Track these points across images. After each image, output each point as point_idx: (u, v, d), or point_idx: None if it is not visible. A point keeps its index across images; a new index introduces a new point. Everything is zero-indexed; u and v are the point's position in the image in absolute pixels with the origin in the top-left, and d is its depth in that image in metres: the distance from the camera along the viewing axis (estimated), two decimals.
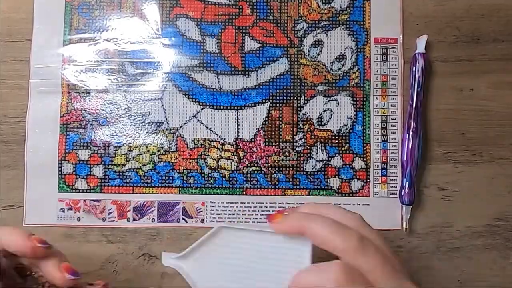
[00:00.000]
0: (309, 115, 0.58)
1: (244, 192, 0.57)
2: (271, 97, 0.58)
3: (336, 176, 0.58)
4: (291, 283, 0.37)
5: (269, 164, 0.58)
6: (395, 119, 0.58)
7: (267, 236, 0.41)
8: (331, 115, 0.58)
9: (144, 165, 0.57)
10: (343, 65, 0.58)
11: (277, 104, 0.58)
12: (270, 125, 0.58)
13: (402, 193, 0.56)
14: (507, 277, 0.57)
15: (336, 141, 0.58)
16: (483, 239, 0.57)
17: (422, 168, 0.57)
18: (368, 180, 0.58)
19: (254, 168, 0.58)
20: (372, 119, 0.58)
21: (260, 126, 0.58)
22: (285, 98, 0.58)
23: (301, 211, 0.40)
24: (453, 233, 0.57)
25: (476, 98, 0.58)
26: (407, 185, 0.56)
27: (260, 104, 0.58)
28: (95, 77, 0.57)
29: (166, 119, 0.57)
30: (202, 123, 0.58)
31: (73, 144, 0.57)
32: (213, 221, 0.57)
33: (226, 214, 0.57)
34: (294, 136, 0.58)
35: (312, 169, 0.58)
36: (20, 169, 0.57)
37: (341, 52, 0.59)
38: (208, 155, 0.58)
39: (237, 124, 0.58)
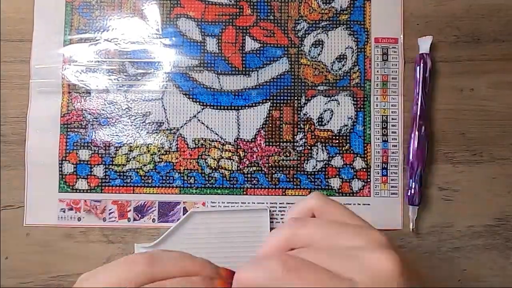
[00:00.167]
0: (309, 115, 0.58)
1: (245, 192, 0.58)
2: (271, 97, 0.58)
3: (337, 176, 0.58)
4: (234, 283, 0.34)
5: (270, 164, 0.58)
6: (395, 119, 0.58)
7: (231, 215, 0.55)
8: (332, 115, 0.58)
9: (144, 165, 0.57)
10: (343, 65, 0.58)
11: (278, 104, 0.58)
12: (270, 125, 0.58)
13: (410, 194, 0.56)
14: (507, 277, 0.57)
15: (337, 141, 0.58)
16: (483, 239, 0.57)
17: (422, 168, 0.57)
18: (369, 180, 0.58)
19: (254, 168, 0.58)
20: (372, 119, 0.58)
21: (261, 126, 0.58)
22: (285, 98, 0.58)
23: None
24: (453, 233, 0.57)
25: (476, 98, 0.58)
26: (416, 186, 0.56)
27: (260, 104, 0.58)
28: (95, 77, 0.57)
29: (167, 119, 0.57)
30: (202, 123, 0.58)
31: (73, 144, 0.57)
32: None
33: None
34: (295, 136, 0.58)
35: (313, 169, 0.58)
36: (20, 169, 0.57)
37: (341, 52, 0.59)
38: (209, 155, 0.58)
39: (238, 124, 0.58)
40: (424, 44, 0.57)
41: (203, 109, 0.58)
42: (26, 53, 0.57)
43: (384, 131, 0.58)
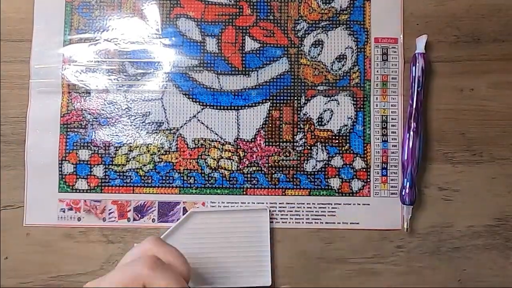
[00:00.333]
0: (309, 115, 0.58)
1: (245, 192, 0.58)
2: (271, 97, 0.58)
3: (337, 176, 0.58)
4: None
5: (270, 164, 0.58)
6: (395, 119, 0.58)
7: (230, 215, 0.56)
8: (332, 115, 0.58)
9: (144, 165, 0.57)
10: (343, 65, 0.58)
11: (278, 104, 0.58)
12: (270, 125, 0.58)
13: (403, 193, 0.56)
14: (507, 277, 0.57)
15: (337, 141, 0.58)
16: (483, 239, 0.57)
17: (422, 168, 0.57)
18: (369, 180, 0.58)
19: (254, 168, 0.58)
20: (372, 119, 0.58)
21: (261, 126, 0.58)
22: (285, 98, 0.58)
23: None
24: (453, 233, 0.57)
25: (476, 98, 0.58)
26: (408, 185, 0.56)
27: (260, 104, 0.58)
28: (95, 77, 0.57)
29: (167, 119, 0.57)
30: (202, 123, 0.58)
31: (73, 144, 0.57)
32: None
33: None
34: (295, 136, 0.58)
35: (313, 169, 0.58)
36: (20, 169, 0.57)
37: (341, 52, 0.59)
38: (209, 155, 0.58)
39: (238, 124, 0.58)
40: (420, 44, 0.57)
41: (203, 109, 0.58)
42: (26, 53, 0.57)
43: (384, 131, 0.58)
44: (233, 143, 0.58)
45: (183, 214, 0.57)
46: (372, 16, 0.59)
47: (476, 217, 0.57)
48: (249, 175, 0.58)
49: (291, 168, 0.58)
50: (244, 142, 0.58)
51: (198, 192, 0.57)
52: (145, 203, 0.57)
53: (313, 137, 0.58)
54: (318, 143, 0.58)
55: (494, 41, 0.59)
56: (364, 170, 0.58)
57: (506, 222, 0.57)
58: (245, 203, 0.57)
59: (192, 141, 0.58)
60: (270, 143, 0.58)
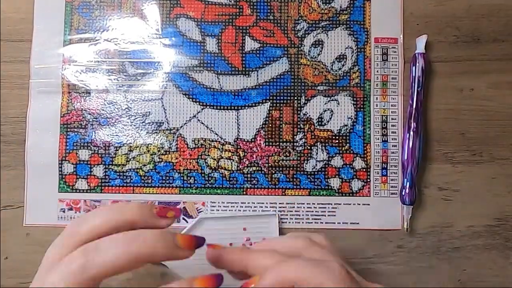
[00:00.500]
0: (309, 115, 0.58)
1: (245, 192, 0.58)
2: (271, 97, 0.58)
3: (337, 176, 0.58)
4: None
5: (270, 164, 0.58)
6: (395, 119, 0.58)
7: (240, 220, 0.56)
8: (332, 115, 0.58)
9: (144, 165, 0.57)
10: (343, 65, 0.58)
11: (278, 104, 0.58)
12: (270, 125, 0.58)
13: (403, 193, 0.56)
14: (507, 277, 0.57)
15: (337, 141, 0.58)
16: (483, 239, 0.57)
17: (422, 168, 0.57)
18: (369, 180, 0.58)
19: (254, 168, 0.58)
20: (372, 119, 0.58)
21: (261, 126, 0.58)
22: (285, 98, 0.58)
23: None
24: (453, 233, 0.57)
25: (476, 98, 0.58)
26: (408, 185, 0.56)
27: (260, 104, 0.58)
28: (95, 77, 0.57)
29: (167, 119, 0.57)
30: (202, 123, 0.58)
31: (73, 144, 0.57)
32: None
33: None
34: (295, 136, 0.58)
35: (313, 169, 0.58)
36: (20, 169, 0.57)
37: (341, 52, 0.59)
38: (209, 155, 0.58)
39: (238, 124, 0.58)
40: (420, 44, 0.57)
41: (203, 109, 0.58)
42: (26, 53, 0.57)
43: (384, 131, 0.58)
44: (233, 143, 0.58)
45: (183, 214, 0.57)
46: (372, 16, 0.59)
47: (476, 217, 0.57)
48: (249, 175, 0.58)
49: (291, 168, 0.58)
50: (244, 142, 0.58)
51: (198, 192, 0.57)
52: (145, 203, 0.57)
53: (313, 137, 0.58)
54: (318, 143, 0.58)
55: (494, 41, 0.59)
56: (364, 170, 0.58)
57: (506, 222, 0.57)
58: (245, 203, 0.57)
59: (192, 141, 0.58)
60: (270, 143, 0.58)
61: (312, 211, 0.57)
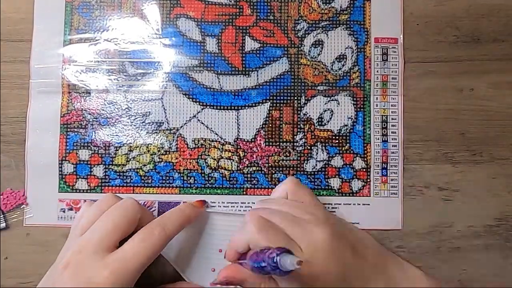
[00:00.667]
0: (309, 115, 0.58)
1: (245, 192, 0.58)
2: (271, 97, 0.58)
3: (337, 176, 0.58)
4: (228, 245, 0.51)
5: (270, 164, 0.58)
6: (395, 119, 0.58)
7: (235, 218, 0.55)
8: (332, 115, 0.58)
9: (144, 165, 0.57)
10: (343, 65, 0.58)
11: (278, 104, 0.58)
12: (270, 125, 0.58)
13: None
14: (507, 277, 0.57)
15: (337, 141, 0.58)
16: (483, 239, 0.57)
17: (422, 168, 0.57)
18: (369, 180, 0.58)
19: (254, 168, 0.58)
20: (372, 119, 0.58)
21: (261, 126, 0.58)
22: (285, 98, 0.58)
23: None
24: (453, 233, 0.57)
25: (476, 98, 0.58)
26: None
27: (260, 104, 0.58)
28: (95, 77, 0.57)
29: (167, 119, 0.57)
30: (202, 123, 0.58)
31: (73, 144, 0.57)
32: None
33: None
34: (295, 136, 0.58)
35: (313, 169, 0.58)
36: (21, 169, 0.57)
37: (341, 52, 0.59)
38: (209, 155, 0.58)
39: (238, 124, 0.58)
40: None
41: (203, 109, 0.58)
42: (26, 53, 0.57)
43: (384, 131, 0.58)
44: (233, 143, 0.58)
45: None
46: (372, 16, 0.59)
47: (476, 217, 0.57)
48: (249, 175, 0.58)
49: (291, 168, 0.58)
50: (244, 142, 0.58)
51: (198, 192, 0.57)
52: (145, 203, 0.57)
53: (313, 137, 0.58)
54: (318, 143, 0.58)
55: (494, 41, 0.59)
56: (364, 170, 0.58)
57: (506, 222, 0.57)
58: (245, 203, 0.57)
59: (192, 141, 0.58)
60: (270, 143, 0.58)
61: None
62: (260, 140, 0.58)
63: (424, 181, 0.58)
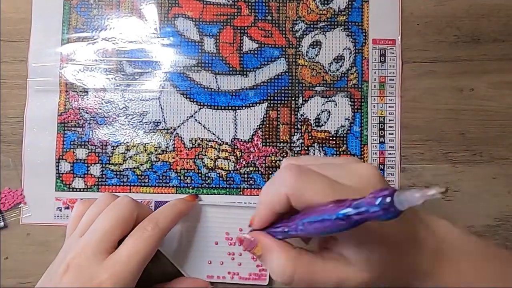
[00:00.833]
0: (306, 116, 0.58)
1: (241, 192, 0.57)
2: (269, 98, 0.58)
3: None
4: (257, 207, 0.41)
5: (267, 165, 0.57)
6: (392, 120, 0.58)
7: (228, 209, 0.56)
8: (329, 116, 0.58)
9: (141, 164, 0.57)
10: (341, 66, 0.58)
11: (275, 105, 0.58)
12: (267, 125, 0.58)
13: None
14: None
15: (334, 142, 0.58)
16: (483, 239, 0.56)
17: (422, 168, 0.57)
18: None
19: (251, 169, 0.57)
20: (369, 120, 0.58)
21: (258, 127, 0.58)
22: (283, 98, 0.58)
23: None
24: None
25: (476, 98, 0.58)
26: None
27: (258, 104, 0.58)
28: (93, 76, 0.58)
29: (164, 118, 0.58)
30: (199, 123, 0.58)
31: (70, 143, 0.57)
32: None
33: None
34: (292, 137, 0.58)
35: None
36: (19, 169, 0.57)
37: (339, 53, 0.58)
38: (206, 155, 0.57)
39: (235, 124, 0.58)
40: None
41: (200, 109, 0.58)
42: (25, 53, 0.58)
43: (381, 133, 0.58)
44: (230, 143, 0.58)
45: None
46: (370, 17, 0.59)
47: (476, 217, 0.56)
48: (246, 176, 0.57)
49: None
50: (241, 142, 0.58)
51: (194, 192, 0.57)
52: (142, 202, 0.57)
53: (310, 138, 0.58)
54: (315, 144, 0.57)
55: (494, 41, 0.58)
56: None
57: (506, 222, 0.56)
58: (241, 203, 0.57)
59: (189, 141, 0.58)
60: (267, 144, 0.57)
61: None
62: (257, 140, 0.57)
63: (424, 181, 0.57)
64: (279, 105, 0.58)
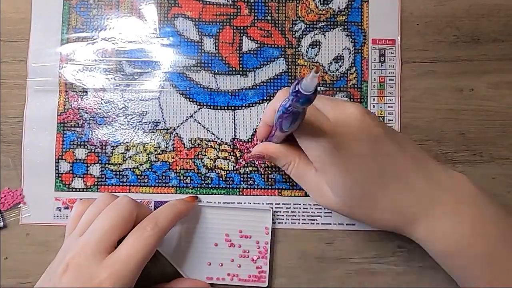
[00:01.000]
0: None
1: (241, 193, 0.57)
2: (268, 98, 0.58)
3: None
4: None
5: (266, 165, 0.57)
6: (392, 120, 0.58)
7: (228, 211, 0.56)
8: None
9: (141, 164, 0.57)
10: (340, 66, 0.58)
11: None
12: None
13: None
14: None
15: None
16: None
17: None
18: None
19: (250, 169, 0.57)
20: None
21: (257, 127, 0.58)
22: None
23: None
24: None
25: (476, 98, 0.58)
26: None
27: (257, 104, 0.58)
28: (92, 76, 0.58)
29: (163, 118, 0.58)
30: (199, 123, 0.58)
31: (70, 143, 0.57)
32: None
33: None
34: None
35: None
36: (19, 169, 0.57)
37: (338, 53, 0.58)
38: (205, 155, 0.57)
39: (234, 124, 0.58)
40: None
41: (199, 109, 0.58)
42: (25, 53, 0.58)
43: None
44: (229, 143, 0.58)
45: None
46: (370, 17, 0.59)
47: None
48: (245, 176, 0.57)
49: None
50: (241, 142, 0.58)
51: (194, 192, 0.57)
52: (141, 202, 0.56)
53: None
54: None
55: (494, 41, 0.58)
56: None
57: None
58: (241, 203, 0.57)
59: (189, 140, 0.57)
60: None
61: (308, 212, 0.57)
62: (257, 140, 0.57)
63: None
64: None
